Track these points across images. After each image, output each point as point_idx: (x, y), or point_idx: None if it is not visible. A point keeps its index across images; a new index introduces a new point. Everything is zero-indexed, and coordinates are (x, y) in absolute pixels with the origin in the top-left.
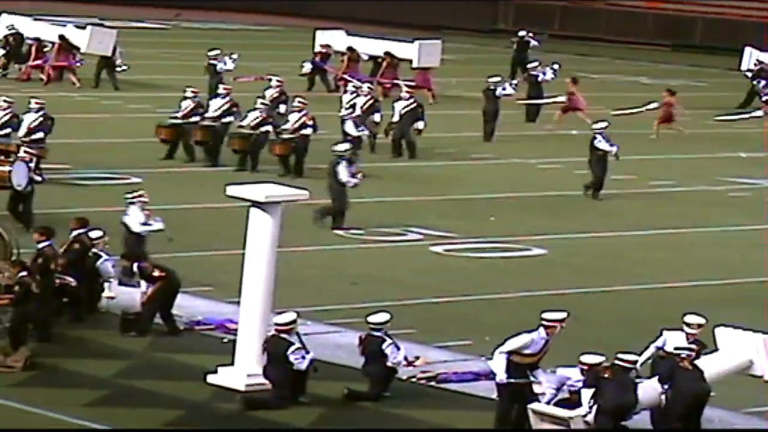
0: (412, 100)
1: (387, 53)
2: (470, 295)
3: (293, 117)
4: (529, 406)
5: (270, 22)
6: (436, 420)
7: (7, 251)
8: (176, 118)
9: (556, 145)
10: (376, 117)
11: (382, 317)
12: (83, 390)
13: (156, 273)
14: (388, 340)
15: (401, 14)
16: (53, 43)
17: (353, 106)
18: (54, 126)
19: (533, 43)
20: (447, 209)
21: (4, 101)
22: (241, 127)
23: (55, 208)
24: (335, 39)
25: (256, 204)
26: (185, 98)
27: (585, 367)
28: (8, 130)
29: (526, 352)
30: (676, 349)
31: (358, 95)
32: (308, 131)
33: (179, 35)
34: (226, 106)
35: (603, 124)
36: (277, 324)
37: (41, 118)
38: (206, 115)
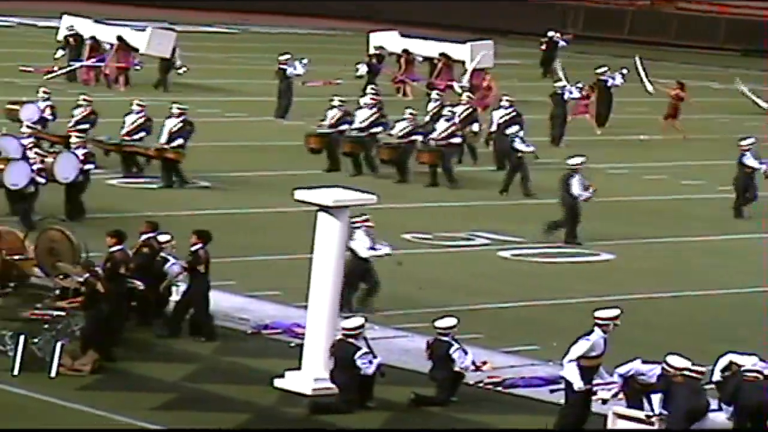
0: (468, 105)
1: (442, 54)
2: (538, 299)
3: (441, 126)
4: (611, 408)
5: (338, 26)
6: (503, 425)
7: (75, 254)
8: (323, 127)
9: (625, 150)
10: (475, 127)
11: (450, 322)
12: (150, 393)
13: None
14: (456, 345)
15: (468, 18)
16: (111, 45)
17: (451, 115)
18: (194, 132)
19: (561, 43)
20: (515, 214)
21: (137, 104)
22: (390, 136)
23: (124, 211)
24: (389, 41)
25: (324, 208)
26: (332, 107)
27: (669, 369)
28: (142, 134)
29: (592, 354)
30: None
31: (442, 104)
32: (457, 140)
33: (247, 39)
34: (374, 116)
35: (751, 140)
36: (344, 328)
37: (181, 124)
38: (354, 125)
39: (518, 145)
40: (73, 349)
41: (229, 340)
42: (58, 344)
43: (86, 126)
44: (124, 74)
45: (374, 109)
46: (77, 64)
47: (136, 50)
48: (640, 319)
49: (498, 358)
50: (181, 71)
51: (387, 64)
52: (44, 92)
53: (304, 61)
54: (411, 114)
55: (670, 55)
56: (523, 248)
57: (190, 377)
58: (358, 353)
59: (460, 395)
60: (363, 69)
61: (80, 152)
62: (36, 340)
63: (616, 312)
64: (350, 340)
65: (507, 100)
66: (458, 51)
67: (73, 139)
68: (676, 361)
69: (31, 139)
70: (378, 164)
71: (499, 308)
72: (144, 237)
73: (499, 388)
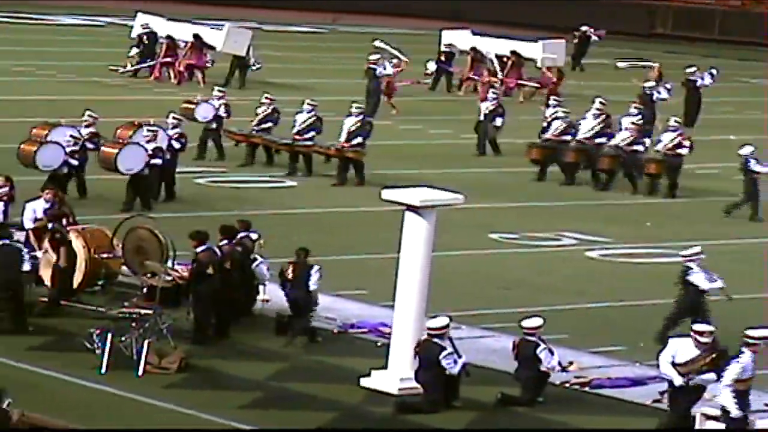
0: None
1: (513, 52)
2: (625, 300)
3: (667, 137)
4: (699, 409)
5: (425, 26)
6: (589, 425)
7: (163, 253)
8: (548, 139)
9: (714, 150)
10: (498, 122)
11: (536, 322)
12: (237, 392)
13: None
14: (542, 345)
15: (556, 17)
16: (186, 42)
17: (499, 114)
18: (373, 130)
19: (594, 38)
20: (602, 214)
21: (267, 98)
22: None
23: (215, 210)
24: (460, 39)
25: (411, 208)
26: (556, 118)
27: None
28: (269, 124)
29: (744, 377)
30: None
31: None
32: (684, 151)
33: (336, 39)
34: (599, 126)
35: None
36: (429, 328)
37: (360, 123)
38: (578, 136)
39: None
40: (159, 348)
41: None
42: (146, 342)
43: (269, 124)
44: (201, 71)
45: (599, 119)
46: (145, 64)
47: (212, 48)
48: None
49: (585, 359)
50: (255, 68)
51: (456, 62)
52: (219, 90)
53: (394, 61)
54: (633, 124)
55: (760, 54)
56: (610, 248)
57: (277, 376)
58: (443, 353)
59: (546, 395)
60: (432, 66)
61: (150, 146)
62: (123, 339)
63: (766, 332)
64: (435, 339)
65: (494, 92)
66: (529, 49)
67: (145, 132)
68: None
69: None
70: (598, 174)
71: (586, 308)
72: (239, 235)
73: (586, 389)
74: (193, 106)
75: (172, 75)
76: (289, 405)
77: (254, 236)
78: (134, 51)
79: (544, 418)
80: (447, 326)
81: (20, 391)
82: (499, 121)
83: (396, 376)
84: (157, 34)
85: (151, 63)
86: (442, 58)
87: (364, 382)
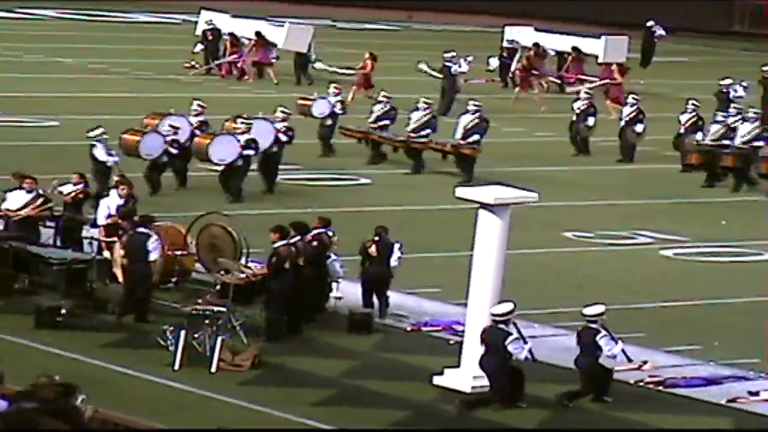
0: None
1: (574, 48)
2: (700, 299)
3: (744, 128)
4: None
5: (498, 23)
6: (663, 424)
7: (236, 250)
8: (706, 144)
9: None
10: (590, 121)
11: (597, 309)
12: (310, 389)
13: None
14: (603, 332)
15: (631, 15)
16: (250, 39)
17: (591, 113)
18: (489, 127)
19: (659, 32)
20: (678, 212)
21: (384, 96)
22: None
23: (289, 207)
24: (523, 35)
25: (485, 206)
26: (714, 122)
27: None
28: (386, 122)
29: None
30: None
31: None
32: (761, 143)
33: (411, 36)
34: (757, 130)
35: None
36: (494, 314)
37: (477, 120)
38: (735, 140)
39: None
40: (233, 345)
41: (388, 337)
42: (219, 339)
43: (387, 122)
44: (271, 68)
45: (756, 123)
46: (217, 62)
47: (274, 45)
48: None
49: (659, 357)
50: (317, 66)
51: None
52: (335, 88)
53: (469, 58)
54: (695, 104)
55: None
56: (685, 247)
57: (349, 373)
58: (509, 338)
59: (619, 394)
60: (494, 63)
61: (243, 138)
62: (197, 336)
63: None
64: (500, 325)
65: (633, 98)
66: (591, 45)
67: (237, 123)
68: None
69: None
70: (757, 178)
71: (661, 307)
72: (315, 232)
73: (660, 388)
74: (309, 103)
75: (235, 72)
76: (362, 402)
77: (330, 233)
78: (198, 48)
79: (618, 416)
80: (511, 312)
81: (94, 388)
82: (591, 121)
83: (469, 374)
84: (220, 31)
85: (224, 60)
86: (504, 54)
87: (437, 380)
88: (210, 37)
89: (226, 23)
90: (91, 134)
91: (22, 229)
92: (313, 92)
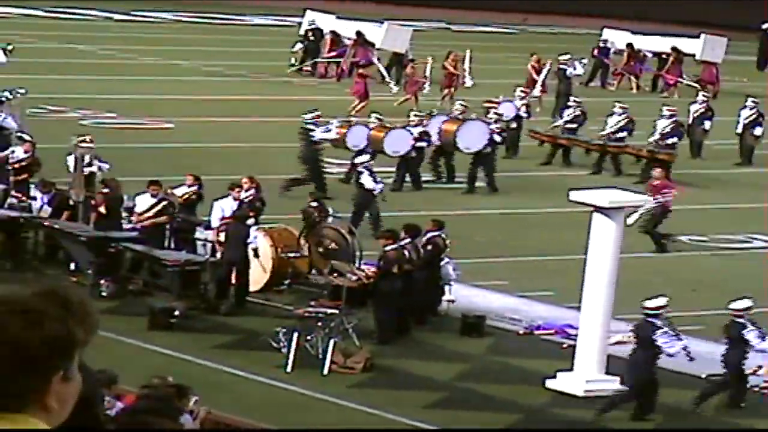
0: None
1: (673, 48)
2: None
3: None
4: None
5: (615, 26)
6: None
7: (350, 254)
8: None
9: None
10: (706, 125)
11: (745, 303)
12: (421, 392)
13: None
14: (750, 326)
15: (752, 16)
16: (350, 39)
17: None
18: (683, 131)
19: None
20: None
21: (574, 100)
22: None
23: (403, 210)
24: (619, 36)
25: (599, 209)
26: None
27: None
28: (574, 126)
29: None
30: None
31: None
32: None
33: (526, 39)
34: None
35: None
36: (645, 307)
37: (673, 125)
38: None
39: None
40: (345, 347)
41: (500, 340)
42: (331, 342)
43: (575, 126)
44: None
45: None
46: (318, 60)
47: (373, 45)
48: None
49: None
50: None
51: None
52: (522, 90)
53: (584, 61)
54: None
55: None
56: None
57: (461, 377)
58: (658, 332)
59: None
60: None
61: (416, 130)
62: (309, 338)
63: None
64: (651, 319)
65: (753, 101)
66: (690, 45)
67: (412, 117)
68: None
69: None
70: None
71: None
72: (429, 235)
73: None
74: (495, 105)
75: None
76: (474, 406)
77: (444, 236)
78: (298, 47)
79: (736, 422)
80: (664, 306)
81: (206, 390)
82: (707, 124)
83: (582, 377)
84: (322, 31)
85: (321, 59)
86: (595, 52)
87: (550, 383)
88: (312, 37)
89: (328, 23)
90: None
91: (149, 232)
92: (499, 95)
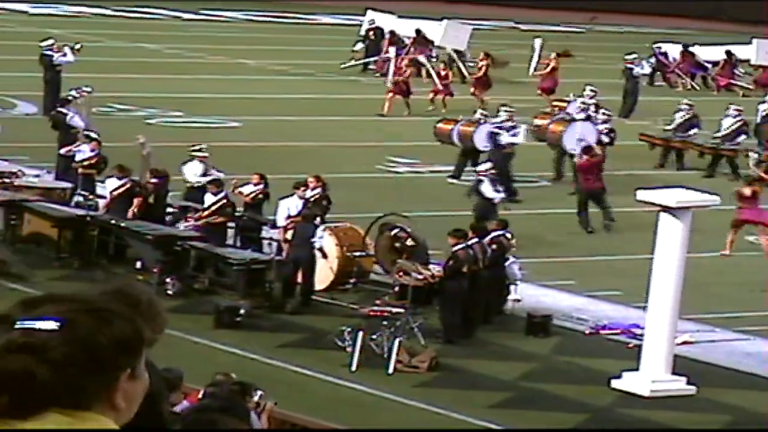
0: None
1: (727, 52)
2: None
3: None
4: None
5: (684, 25)
6: None
7: (425, 252)
8: None
9: None
10: None
11: None
12: (487, 392)
13: None
14: None
15: None
16: (409, 37)
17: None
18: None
19: None
20: None
21: (686, 103)
22: None
23: (468, 210)
24: (672, 47)
25: (667, 209)
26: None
27: None
28: (693, 130)
29: None
30: None
31: None
32: None
33: (594, 39)
34: None
35: None
36: None
37: (739, 123)
38: None
39: None
40: (410, 346)
41: (566, 340)
42: (396, 341)
43: (694, 130)
44: (423, 66)
45: None
46: (371, 58)
47: (432, 42)
48: None
49: None
50: (471, 65)
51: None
52: (591, 90)
53: (651, 60)
54: None
55: None
56: None
57: (527, 376)
58: None
59: None
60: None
61: (601, 127)
62: (374, 337)
63: None
64: None
65: None
66: (744, 51)
67: (600, 116)
68: None
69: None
70: None
71: None
72: (493, 234)
73: None
74: (565, 104)
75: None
76: (539, 406)
77: (509, 236)
78: (359, 46)
79: None
80: None
81: (271, 388)
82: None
83: (648, 378)
84: (383, 30)
85: (379, 57)
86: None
87: (615, 383)
88: (372, 36)
89: (388, 22)
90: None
91: (211, 231)
92: (570, 93)
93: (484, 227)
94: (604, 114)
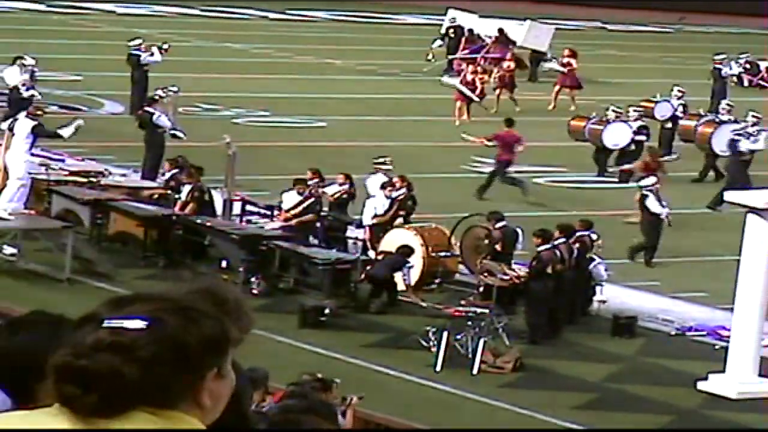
0: None
1: None
2: None
3: None
4: None
5: None
6: None
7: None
8: None
9: None
10: None
11: None
12: (572, 393)
13: None
14: None
15: None
16: (490, 37)
17: None
18: None
19: None
20: None
21: (753, 116)
22: None
23: (554, 210)
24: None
25: (754, 210)
26: None
27: None
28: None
29: None
30: None
31: None
32: None
33: (682, 39)
34: None
35: None
36: None
37: None
38: None
39: None
40: (495, 347)
41: (652, 341)
42: (481, 341)
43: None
44: (500, 66)
45: None
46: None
47: (513, 42)
48: None
49: None
50: (548, 66)
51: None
52: (679, 91)
53: (740, 60)
54: None
55: None
56: None
57: (612, 377)
58: None
59: None
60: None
61: (635, 124)
62: (459, 337)
63: None
64: None
65: None
66: None
67: (632, 113)
68: None
69: None
70: None
71: None
72: (577, 235)
73: None
74: (651, 105)
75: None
76: (625, 407)
77: (594, 236)
78: (437, 43)
79: None
80: None
81: (356, 388)
82: None
83: (735, 380)
84: (463, 29)
85: (458, 56)
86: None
87: (701, 385)
88: (452, 35)
89: (469, 21)
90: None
91: (296, 230)
92: (656, 93)
93: (570, 227)
94: (635, 111)
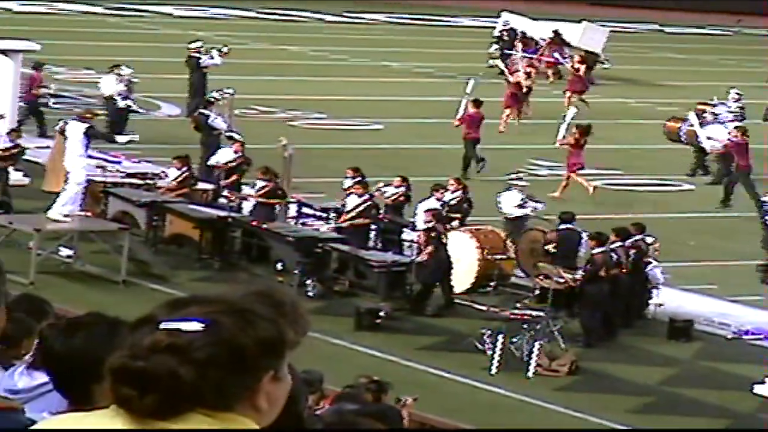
0: None
1: None
2: None
3: None
4: None
5: None
6: None
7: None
8: None
9: None
10: None
11: None
12: (628, 396)
13: None
14: None
15: None
16: (544, 39)
17: None
18: None
19: None
20: None
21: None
22: None
23: (609, 213)
24: None
25: None
26: None
27: None
28: None
29: None
30: None
31: None
32: None
33: (739, 42)
34: None
35: None
36: None
37: None
38: None
39: None
40: (550, 350)
41: (708, 345)
42: (536, 344)
43: None
44: (554, 68)
45: None
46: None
47: (568, 44)
48: None
49: None
50: (605, 66)
51: None
52: (736, 93)
53: None
54: None
55: None
56: None
57: (668, 381)
58: None
59: None
60: None
61: (731, 125)
62: (514, 340)
63: None
64: None
65: None
66: None
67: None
68: None
69: None
70: None
71: None
72: (632, 239)
73: None
74: (708, 107)
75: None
76: (680, 411)
77: (649, 240)
78: (494, 48)
79: None
80: None
81: (411, 390)
82: None
83: None
84: (516, 31)
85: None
86: None
87: (758, 389)
88: (506, 38)
89: (521, 24)
90: None
91: (352, 233)
92: (714, 97)
93: (626, 230)
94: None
